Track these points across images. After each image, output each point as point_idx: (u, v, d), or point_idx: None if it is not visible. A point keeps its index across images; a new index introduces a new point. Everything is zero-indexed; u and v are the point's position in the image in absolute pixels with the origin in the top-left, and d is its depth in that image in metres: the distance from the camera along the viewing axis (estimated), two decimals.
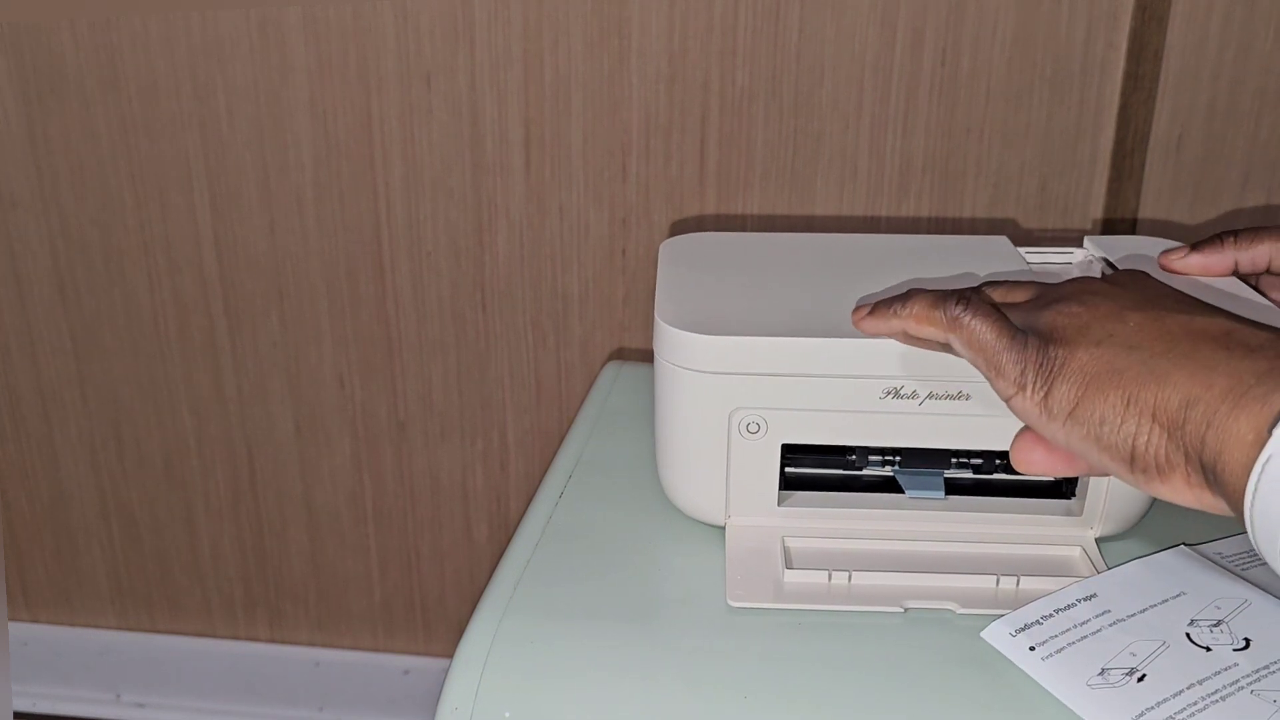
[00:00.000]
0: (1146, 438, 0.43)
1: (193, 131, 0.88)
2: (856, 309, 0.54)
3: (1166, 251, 0.60)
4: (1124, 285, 0.49)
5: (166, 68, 0.86)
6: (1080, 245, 0.68)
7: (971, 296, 0.50)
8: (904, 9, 0.79)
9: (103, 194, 0.91)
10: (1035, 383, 0.46)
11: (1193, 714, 0.46)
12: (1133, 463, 0.44)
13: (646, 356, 0.88)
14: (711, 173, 0.85)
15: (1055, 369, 0.46)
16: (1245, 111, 0.79)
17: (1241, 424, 0.41)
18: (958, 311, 0.50)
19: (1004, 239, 0.67)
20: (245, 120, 0.87)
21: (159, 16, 0.85)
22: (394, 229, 0.89)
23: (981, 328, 0.49)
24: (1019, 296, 0.51)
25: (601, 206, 0.87)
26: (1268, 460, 0.40)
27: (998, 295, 0.52)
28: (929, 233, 0.84)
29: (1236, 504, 0.41)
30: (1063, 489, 0.60)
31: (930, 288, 0.52)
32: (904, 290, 0.53)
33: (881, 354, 0.54)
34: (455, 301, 0.91)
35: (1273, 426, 0.40)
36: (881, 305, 0.53)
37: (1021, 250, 0.66)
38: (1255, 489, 0.40)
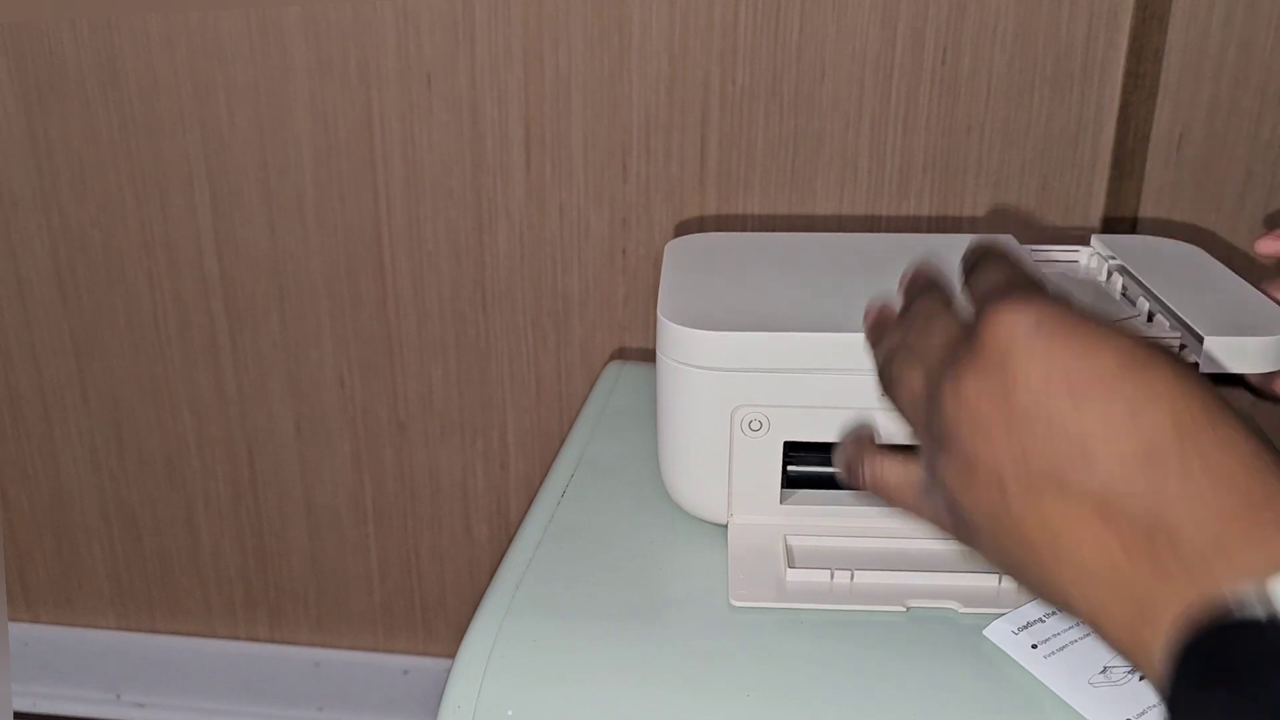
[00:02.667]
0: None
1: (193, 131, 0.88)
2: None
3: (1264, 239, 0.59)
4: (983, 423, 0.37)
5: (167, 68, 0.86)
6: (1086, 244, 0.67)
7: (866, 462, 0.47)
8: (904, 8, 0.79)
9: (103, 194, 0.91)
10: (956, 540, 0.42)
11: None
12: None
13: (647, 356, 0.88)
14: (712, 172, 0.85)
15: (967, 538, 0.41)
16: (1246, 111, 0.79)
17: (1149, 671, 0.33)
18: (861, 479, 0.47)
19: (1009, 238, 0.67)
20: (245, 120, 0.87)
21: (159, 16, 0.85)
22: (394, 229, 0.89)
23: (891, 497, 0.46)
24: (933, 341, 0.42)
25: (602, 206, 0.87)
26: None
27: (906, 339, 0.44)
28: (930, 232, 0.84)
29: None
30: None
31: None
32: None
33: None
34: (455, 301, 0.91)
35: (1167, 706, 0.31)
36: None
37: (1028, 249, 0.66)
38: None
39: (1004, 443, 0.36)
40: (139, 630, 1.08)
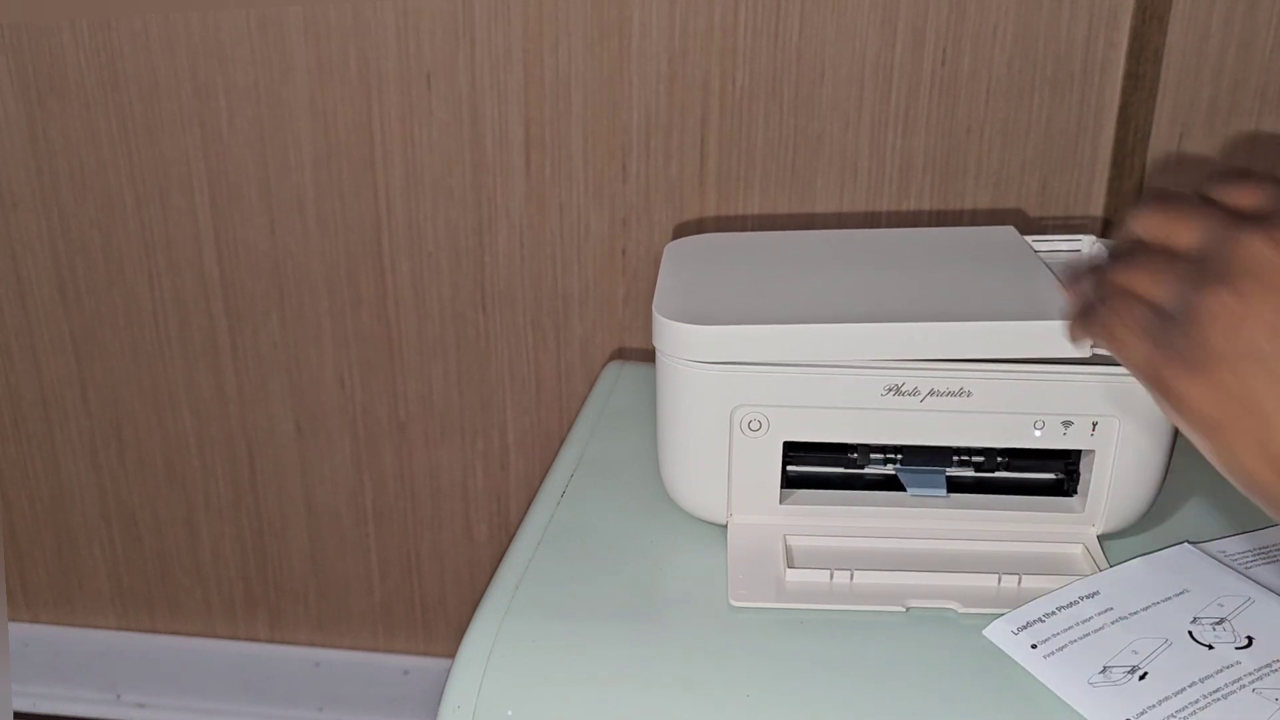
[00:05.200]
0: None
1: (193, 132, 0.88)
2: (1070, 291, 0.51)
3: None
4: None
5: (167, 68, 0.86)
6: (1088, 232, 0.67)
7: (1110, 314, 0.46)
8: (904, 8, 0.79)
9: (103, 194, 0.91)
10: (1180, 368, 0.42)
11: (1194, 712, 0.46)
12: (1255, 494, 0.41)
13: (647, 356, 0.88)
14: (711, 173, 0.85)
15: (1196, 367, 0.41)
16: (1246, 111, 0.79)
17: None
18: (1099, 331, 0.47)
19: (1010, 229, 0.67)
20: (246, 120, 0.87)
21: (159, 17, 0.85)
22: (394, 229, 0.89)
23: (1124, 352, 0.45)
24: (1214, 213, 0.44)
25: (602, 206, 0.87)
26: None
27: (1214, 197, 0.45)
28: None
29: None
30: (1064, 487, 0.60)
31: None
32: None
33: (879, 340, 0.54)
34: (455, 301, 0.91)
35: None
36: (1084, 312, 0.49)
37: (1030, 239, 0.65)
38: None
39: None
40: (139, 630, 1.08)
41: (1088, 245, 0.66)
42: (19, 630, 1.09)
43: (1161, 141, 0.81)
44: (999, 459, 0.59)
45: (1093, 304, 0.47)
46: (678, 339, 0.56)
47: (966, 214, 0.84)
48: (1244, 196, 0.44)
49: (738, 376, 0.55)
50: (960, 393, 0.55)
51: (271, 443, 0.98)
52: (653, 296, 0.60)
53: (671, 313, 0.56)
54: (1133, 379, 0.45)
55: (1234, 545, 0.57)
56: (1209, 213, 0.44)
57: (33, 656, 1.09)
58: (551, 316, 0.91)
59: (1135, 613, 0.52)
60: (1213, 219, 0.44)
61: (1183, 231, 0.45)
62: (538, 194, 0.87)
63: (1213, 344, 0.41)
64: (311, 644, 1.06)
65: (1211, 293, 0.41)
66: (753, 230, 0.85)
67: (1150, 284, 0.44)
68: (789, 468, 0.59)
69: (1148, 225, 0.46)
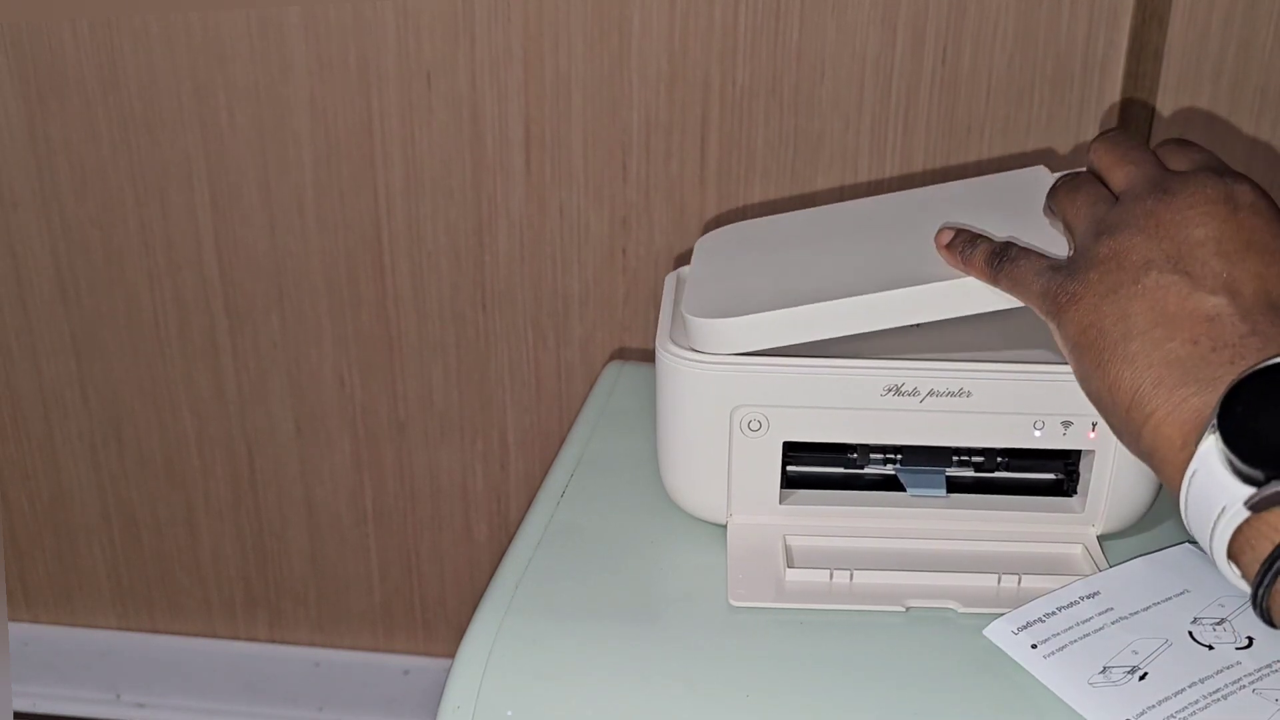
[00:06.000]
0: (1109, 402, 0.47)
1: (193, 131, 0.88)
2: (940, 232, 0.56)
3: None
4: (1201, 217, 0.48)
5: (167, 67, 0.86)
6: None
7: (1010, 251, 0.53)
8: (904, 8, 0.79)
9: (103, 194, 0.91)
10: (1052, 304, 0.49)
11: (1194, 712, 0.46)
12: (1100, 410, 0.48)
13: (647, 356, 0.88)
14: (712, 172, 0.85)
15: (1065, 302, 0.49)
16: (1246, 111, 0.79)
17: (1172, 429, 0.44)
18: (999, 265, 0.53)
19: (1041, 169, 0.64)
20: (245, 120, 0.87)
21: (159, 16, 0.85)
22: (394, 229, 0.89)
23: (1016, 266, 0.52)
24: (1121, 175, 0.52)
25: (602, 206, 0.87)
26: (1193, 474, 0.43)
27: (1110, 157, 0.53)
28: None
29: (1173, 497, 0.44)
30: (1064, 487, 0.60)
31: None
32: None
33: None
34: (455, 301, 0.91)
35: (1199, 438, 0.42)
36: (959, 241, 0.55)
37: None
38: (1185, 500, 0.43)
39: (1170, 246, 0.47)
40: (139, 630, 1.08)
41: None
42: (19, 630, 1.09)
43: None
44: (999, 459, 0.59)
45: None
46: (707, 335, 0.55)
47: None
48: (1175, 161, 0.52)
49: (738, 376, 0.55)
50: (960, 393, 0.55)
51: (271, 443, 0.98)
52: (654, 297, 0.60)
53: (699, 310, 0.56)
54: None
55: None
56: (1145, 165, 0.51)
57: (33, 656, 1.09)
58: (551, 316, 0.91)
59: (1135, 613, 0.52)
60: (1141, 172, 0.51)
61: (1118, 175, 0.52)
62: (538, 194, 0.87)
63: (1090, 281, 0.48)
64: (311, 644, 1.06)
65: (1105, 238, 0.49)
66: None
67: (1074, 213, 0.52)
68: (789, 468, 0.59)
69: (1097, 156, 0.54)
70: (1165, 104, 0.80)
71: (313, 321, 0.93)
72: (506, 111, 0.85)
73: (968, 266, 0.54)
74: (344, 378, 0.95)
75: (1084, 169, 0.56)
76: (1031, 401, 0.55)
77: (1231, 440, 0.41)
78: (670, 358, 0.56)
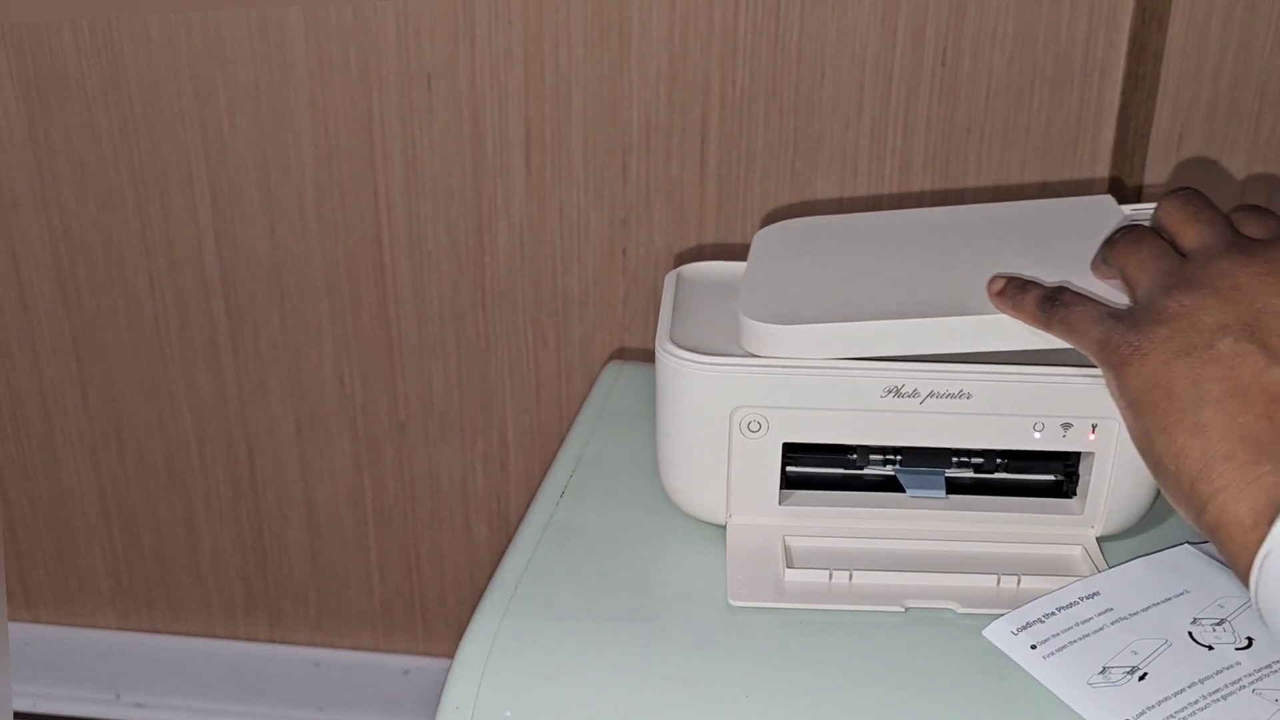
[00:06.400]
0: (1172, 469, 0.45)
1: (194, 132, 0.88)
2: (992, 280, 0.55)
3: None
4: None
5: (167, 68, 0.86)
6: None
7: (1064, 297, 0.52)
8: (904, 9, 0.79)
9: (104, 194, 0.91)
10: (1113, 354, 0.48)
11: (1194, 713, 0.46)
12: (1157, 475, 0.46)
13: (647, 356, 0.88)
14: (711, 173, 0.85)
15: (1128, 354, 0.47)
16: (1246, 111, 0.79)
17: (1242, 506, 0.42)
18: (1051, 310, 0.52)
19: (1108, 198, 0.63)
20: (246, 120, 0.87)
21: (160, 17, 0.85)
22: (394, 229, 0.89)
23: (1074, 311, 0.51)
24: (1190, 238, 0.50)
25: (602, 206, 0.87)
26: (1266, 555, 0.41)
27: (1178, 221, 0.51)
28: None
29: (1240, 577, 0.42)
30: (1064, 488, 0.60)
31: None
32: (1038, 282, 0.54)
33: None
34: (455, 301, 0.91)
35: (1273, 518, 0.41)
36: (1010, 289, 0.54)
37: (1129, 209, 0.62)
38: (1257, 581, 0.41)
39: (1250, 307, 0.45)
40: (139, 630, 1.08)
41: None
42: (19, 630, 1.09)
43: (1161, 142, 0.81)
44: (998, 460, 0.59)
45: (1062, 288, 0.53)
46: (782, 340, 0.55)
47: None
48: (1251, 228, 0.50)
49: (737, 377, 0.55)
50: (960, 394, 0.55)
51: (271, 443, 0.98)
52: (654, 296, 0.60)
53: (756, 312, 0.56)
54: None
55: None
56: (1219, 225, 0.50)
57: (33, 656, 1.09)
58: (551, 316, 0.91)
59: (1135, 613, 0.52)
60: (1216, 233, 0.49)
61: (1189, 233, 0.50)
62: (538, 194, 0.87)
63: (1158, 336, 0.46)
64: (311, 644, 1.06)
65: (1176, 294, 0.47)
66: (752, 230, 0.85)
67: (1137, 267, 0.50)
68: (788, 469, 0.59)
69: (1167, 213, 0.52)
70: (1165, 104, 0.80)
71: (313, 321, 0.93)
72: (507, 112, 0.85)
73: (1019, 313, 0.53)
74: (344, 378, 0.95)
75: (1143, 222, 0.55)
76: (1031, 403, 0.55)
77: None
78: (670, 358, 0.56)
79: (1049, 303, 0.52)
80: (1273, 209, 0.52)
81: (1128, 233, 0.53)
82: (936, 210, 0.67)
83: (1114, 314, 0.49)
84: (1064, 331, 0.51)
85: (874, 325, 0.54)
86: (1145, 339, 0.46)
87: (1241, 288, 0.46)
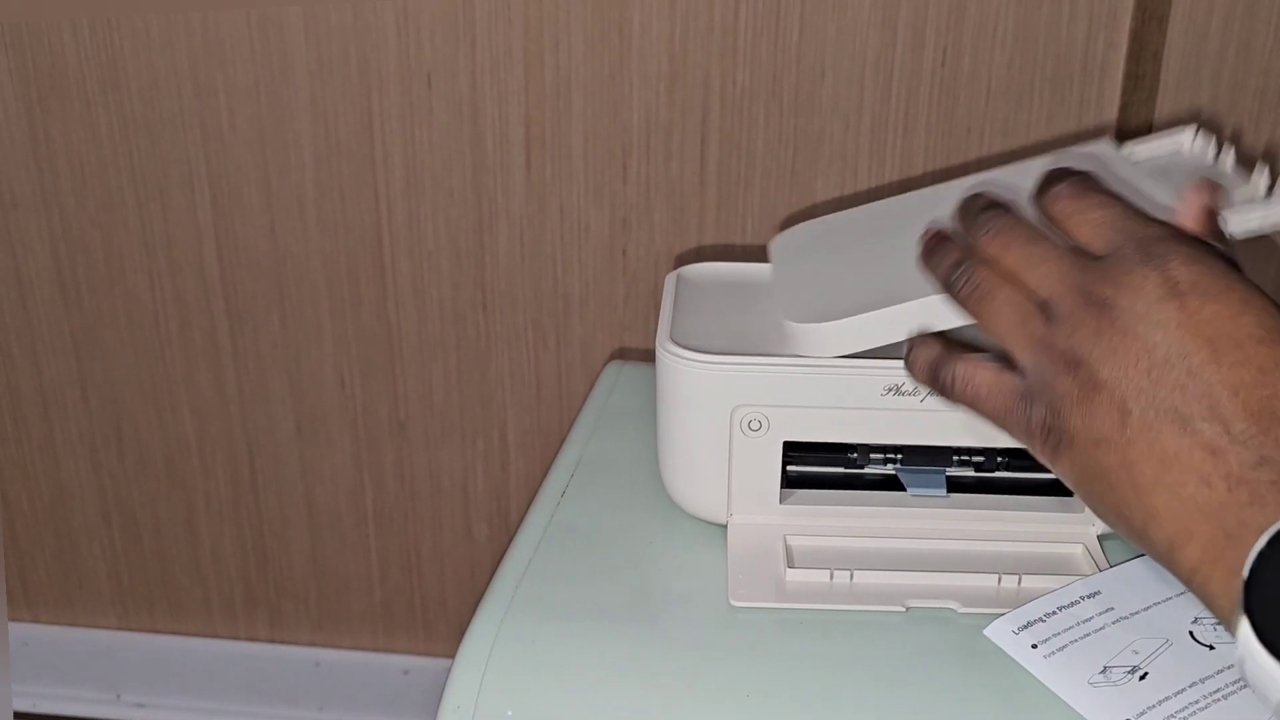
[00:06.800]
0: (1144, 545, 0.43)
1: (194, 131, 0.88)
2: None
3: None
4: (1152, 330, 0.42)
5: (167, 68, 0.86)
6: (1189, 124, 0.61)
7: (957, 365, 0.49)
8: (904, 9, 0.79)
9: (104, 194, 0.91)
10: (1041, 446, 0.46)
11: (1194, 712, 0.46)
12: (1130, 541, 0.45)
13: (648, 356, 0.88)
14: (712, 173, 0.85)
15: (1056, 446, 0.45)
16: (1246, 111, 0.79)
17: (1217, 585, 0.40)
18: (948, 383, 0.49)
19: (1105, 141, 0.61)
20: (246, 120, 0.87)
21: (160, 17, 0.85)
22: (394, 229, 0.89)
23: (979, 400, 0.48)
24: (1043, 263, 0.46)
25: (602, 206, 0.87)
26: (1242, 661, 0.39)
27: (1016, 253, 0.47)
28: None
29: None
30: (1065, 487, 0.60)
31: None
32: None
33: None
34: (456, 301, 0.91)
35: (1245, 599, 0.38)
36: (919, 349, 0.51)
37: (1129, 146, 0.60)
38: (1242, 676, 0.40)
39: (1138, 378, 0.42)
40: (139, 630, 1.08)
41: (1189, 142, 0.59)
42: (19, 630, 1.09)
43: None
44: (999, 459, 0.59)
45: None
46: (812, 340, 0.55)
47: None
48: (1081, 229, 0.46)
49: (738, 376, 0.55)
50: None
51: (271, 443, 0.98)
52: (654, 296, 0.60)
53: (800, 315, 0.55)
54: None
55: None
56: (1057, 262, 0.46)
57: (33, 656, 1.09)
58: (551, 316, 0.91)
59: (1136, 613, 0.52)
60: (1060, 268, 0.45)
61: (1029, 274, 0.46)
62: (538, 194, 0.87)
63: (1073, 426, 0.44)
64: (311, 644, 1.06)
65: (1062, 376, 0.44)
66: (754, 227, 0.85)
67: (1006, 331, 0.47)
68: (789, 468, 0.59)
69: (991, 248, 0.48)
70: (1165, 105, 0.80)
71: (313, 321, 0.93)
72: (507, 112, 0.85)
73: (912, 375, 0.52)
74: (344, 378, 0.95)
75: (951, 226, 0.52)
76: None
77: (1264, 631, 0.37)
78: (670, 358, 0.56)
79: (934, 368, 0.50)
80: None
81: (969, 285, 0.48)
82: (939, 186, 0.64)
83: (1020, 391, 0.46)
84: (973, 410, 0.49)
85: (920, 304, 0.53)
86: (1063, 427, 0.44)
87: (1119, 351, 0.42)
